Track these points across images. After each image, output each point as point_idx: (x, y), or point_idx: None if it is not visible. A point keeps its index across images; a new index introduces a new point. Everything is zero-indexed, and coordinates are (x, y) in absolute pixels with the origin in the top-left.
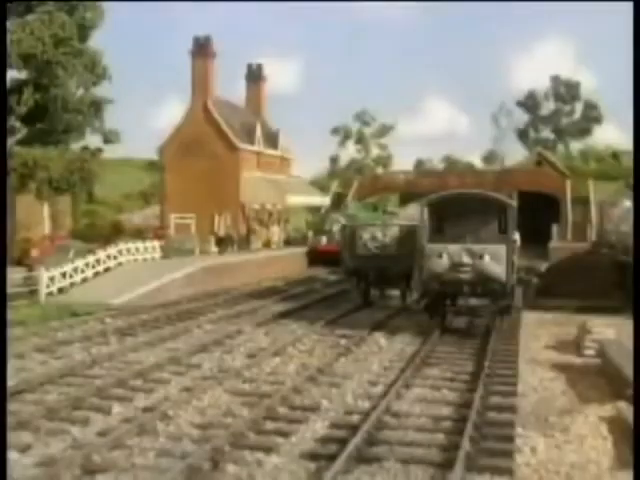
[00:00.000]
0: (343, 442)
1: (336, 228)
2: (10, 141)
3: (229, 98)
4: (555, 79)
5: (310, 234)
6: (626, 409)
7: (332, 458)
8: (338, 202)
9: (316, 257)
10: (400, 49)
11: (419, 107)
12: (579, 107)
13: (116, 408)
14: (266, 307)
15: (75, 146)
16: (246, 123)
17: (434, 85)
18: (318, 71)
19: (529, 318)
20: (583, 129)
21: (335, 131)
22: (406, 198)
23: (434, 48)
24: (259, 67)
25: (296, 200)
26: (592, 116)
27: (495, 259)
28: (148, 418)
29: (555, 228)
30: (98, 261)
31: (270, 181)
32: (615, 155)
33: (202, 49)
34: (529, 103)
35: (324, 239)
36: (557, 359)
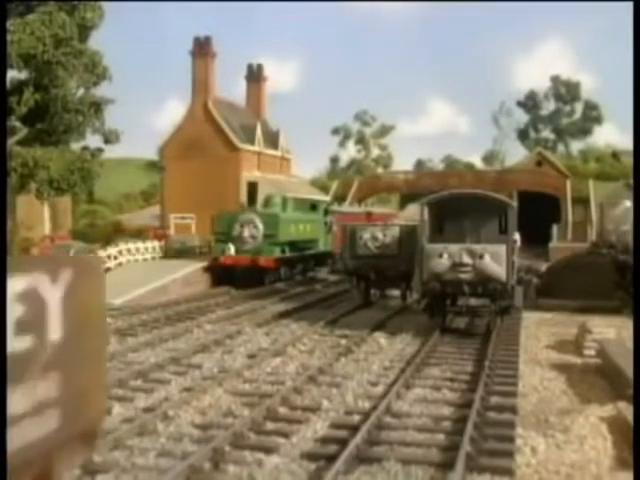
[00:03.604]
0: (343, 442)
1: (248, 233)
2: (10, 141)
3: (229, 98)
4: (555, 79)
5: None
6: (626, 409)
7: (332, 458)
8: (254, 197)
9: (220, 274)
10: (401, 49)
11: (419, 107)
12: (579, 107)
13: (116, 408)
14: (266, 307)
15: (75, 146)
16: (246, 123)
17: (434, 85)
18: (318, 71)
19: (529, 318)
20: (583, 129)
21: (335, 131)
22: (406, 198)
23: (435, 48)
24: (259, 67)
25: None
26: (592, 116)
27: (495, 259)
28: (148, 418)
29: (555, 228)
30: None
31: (270, 181)
32: (615, 155)
33: (202, 49)
34: (529, 103)
35: (232, 248)
36: (557, 359)
